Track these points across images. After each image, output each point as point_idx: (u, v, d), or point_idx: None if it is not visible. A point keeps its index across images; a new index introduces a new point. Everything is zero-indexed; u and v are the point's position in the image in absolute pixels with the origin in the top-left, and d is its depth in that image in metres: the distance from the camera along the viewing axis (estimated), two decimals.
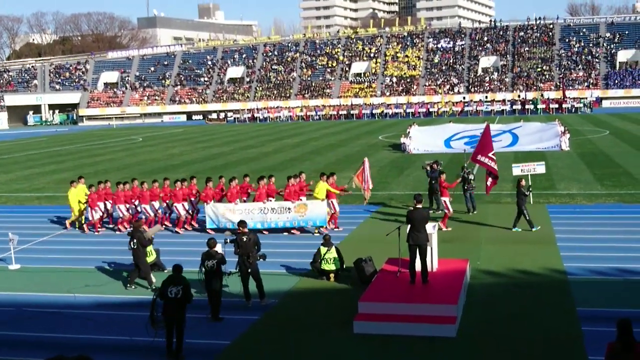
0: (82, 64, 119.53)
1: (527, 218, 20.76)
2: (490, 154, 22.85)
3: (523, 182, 21.23)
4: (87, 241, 22.46)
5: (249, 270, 15.01)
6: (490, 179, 23.20)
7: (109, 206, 23.95)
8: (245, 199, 23.14)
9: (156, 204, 23.55)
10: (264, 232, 21.81)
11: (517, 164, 25.85)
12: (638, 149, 41.15)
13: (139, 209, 23.54)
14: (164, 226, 22.90)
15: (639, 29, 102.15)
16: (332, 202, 22.28)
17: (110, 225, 24.15)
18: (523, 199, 20.82)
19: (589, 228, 21.11)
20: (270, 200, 22.43)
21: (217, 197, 22.87)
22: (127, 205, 23.39)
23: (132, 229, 18.03)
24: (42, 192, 33.94)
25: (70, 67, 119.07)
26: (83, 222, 24.05)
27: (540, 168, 25.35)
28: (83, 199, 23.85)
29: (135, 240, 16.81)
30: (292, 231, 22.08)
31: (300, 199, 22.23)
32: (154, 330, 12.44)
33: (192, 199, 23.26)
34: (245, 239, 15.08)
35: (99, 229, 23.66)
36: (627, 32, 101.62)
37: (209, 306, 14.45)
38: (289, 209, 21.94)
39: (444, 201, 22.03)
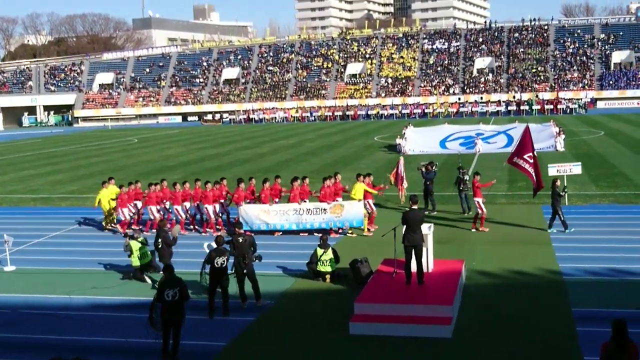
0: (77, 65, 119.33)
1: (562, 219, 20.57)
2: (526, 156, 22.09)
3: (558, 183, 21.04)
4: (82, 242, 22.43)
5: (245, 272, 15.04)
6: (535, 183, 22.19)
7: (139, 206, 23.76)
8: (277, 200, 22.68)
9: (187, 205, 23.19)
10: (300, 233, 21.66)
11: (554, 164, 25.58)
12: (633, 149, 41.27)
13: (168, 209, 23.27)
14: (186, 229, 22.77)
15: (633, 30, 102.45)
16: (368, 202, 21.95)
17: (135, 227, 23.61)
18: (558, 200, 20.61)
19: (584, 229, 21.15)
20: (305, 202, 22.11)
21: (249, 199, 22.56)
22: (158, 207, 23.14)
23: (157, 228, 18.05)
24: (37, 193, 33.89)
25: (65, 68, 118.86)
26: (115, 222, 23.91)
27: (576, 169, 24.88)
28: (113, 199, 23.73)
29: (160, 240, 16.85)
30: (315, 233, 21.58)
31: (337, 200, 21.93)
32: (155, 332, 12.43)
33: (223, 200, 22.95)
34: (241, 240, 15.11)
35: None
36: (621, 33, 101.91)
37: (207, 307, 14.49)
38: (324, 209, 21.64)
39: (478, 202, 21.56)
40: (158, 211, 23.16)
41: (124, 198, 23.36)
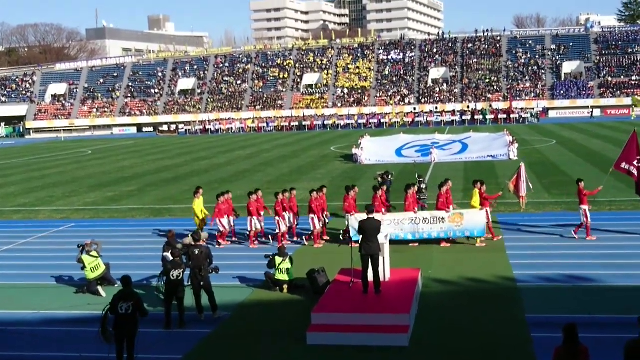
0: (29, 75, 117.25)
1: None
2: (635, 162, 21.58)
3: None
4: (35, 256, 21.96)
5: (202, 284, 14.90)
6: None
7: (232, 218, 22.68)
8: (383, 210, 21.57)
9: (286, 216, 22.02)
10: (413, 244, 20.80)
11: None
12: (584, 158, 42.12)
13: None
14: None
15: (582, 41, 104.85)
16: (486, 210, 20.97)
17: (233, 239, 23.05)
18: None
19: (537, 236, 21.50)
20: (419, 210, 21.28)
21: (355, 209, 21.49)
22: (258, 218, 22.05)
23: (167, 240, 17.58)
24: None
25: (17, 79, 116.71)
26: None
27: None
28: (203, 210, 22.87)
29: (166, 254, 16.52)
30: (442, 243, 20.72)
31: (451, 208, 20.85)
32: (107, 345, 12.23)
33: (324, 209, 22.09)
34: (197, 252, 14.96)
35: (222, 243, 22.43)
36: (571, 44, 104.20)
37: (164, 319, 14.37)
38: (442, 219, 20.57)
39: (584, 210, 20.80)
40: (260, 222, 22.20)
41: (221, 209, 22.21)
